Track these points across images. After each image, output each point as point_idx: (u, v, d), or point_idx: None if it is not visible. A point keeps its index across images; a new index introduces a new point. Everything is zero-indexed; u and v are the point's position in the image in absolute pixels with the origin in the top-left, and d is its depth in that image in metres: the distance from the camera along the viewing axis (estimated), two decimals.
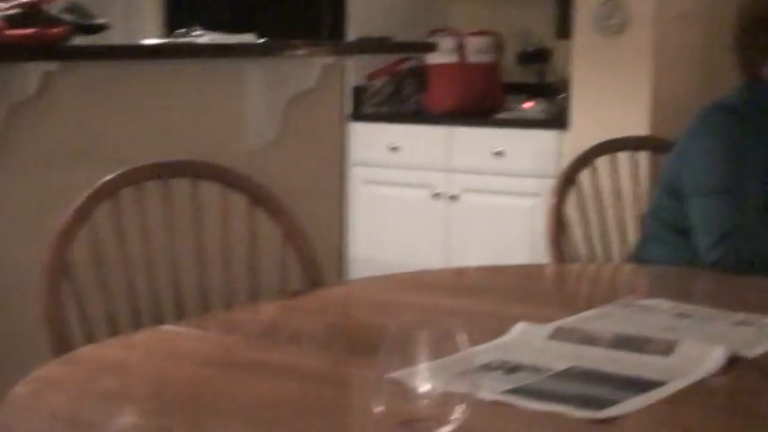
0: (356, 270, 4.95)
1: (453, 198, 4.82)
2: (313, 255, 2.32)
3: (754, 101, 2.49)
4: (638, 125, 4.15)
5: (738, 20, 2.53)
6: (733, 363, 1.60)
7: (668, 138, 2.81)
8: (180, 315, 2.15)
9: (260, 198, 2.32)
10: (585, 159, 2.81)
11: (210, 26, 3.96)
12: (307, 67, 4.10)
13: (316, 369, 1.67)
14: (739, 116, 2.45)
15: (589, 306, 1.95)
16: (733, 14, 2.58)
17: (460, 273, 2.61)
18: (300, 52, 3.99)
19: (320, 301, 2.16)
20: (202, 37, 3.83)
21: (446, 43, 4.98)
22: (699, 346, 1.64)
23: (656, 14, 4.18)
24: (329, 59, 4.18)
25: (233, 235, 2.28)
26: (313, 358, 1.74)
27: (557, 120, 4.60)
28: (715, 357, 1.59)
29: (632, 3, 4.18)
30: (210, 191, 2.31)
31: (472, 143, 4.78)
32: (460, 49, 5.02)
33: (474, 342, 1.51)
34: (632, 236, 2.77)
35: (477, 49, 5.06)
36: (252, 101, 4.05)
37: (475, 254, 4.71)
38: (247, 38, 3.91)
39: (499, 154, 4.69)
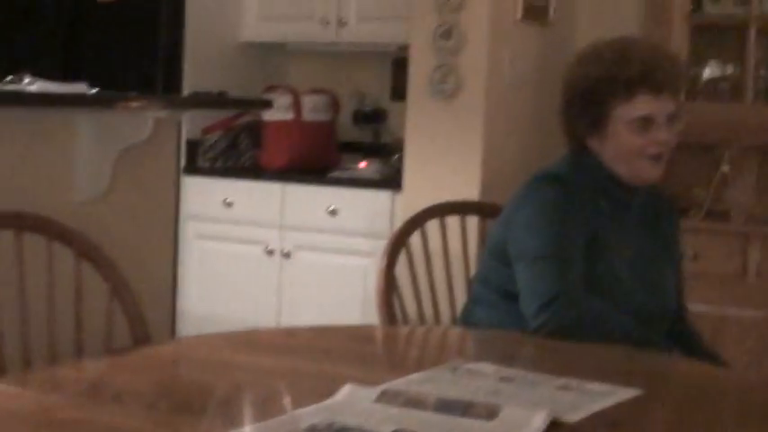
0: (188, 326, 4.89)
1: (286, 255, 4.81)
2: (140, 311, 2.28)
3: (580, 170, 2.55)
4: (469, 189, 4.23)
5: (564, 92, 2.58)
6: (554, 427, 1.63)
7: (497, 202, 2.86)
8: None
9: (86, 251, 2.28)
10: (416, 222, 2.84)
11: (41, 74, 3.88)
12: (140, 120, 4.05)
13: (139, 429, 1.64)
14: (564, 185, 2.50)
15: (417, 369, 1.97)
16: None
17: (291, 333, 2.60)
18: (133, 104, 3.94)
19: (147, 359, 2.12)
20: (32, 85, 3.75)
21: (282, 100, 5.00)
22: (521, 411, 1.66)
23: (488, 81, 4.27)
24: (163, 113, 4.14)
25: (58, 289, 2.23)
26: (137, 418, 1.70)
27: (391, 180, 4.65)
28: (536, 422, 1.62)
29: (465, 68, 4.27)
30: (35, 243, 2.25)
31: (306, 201, 4.79)
32: (296, 106, 5.04)
33: (301, 403, 1.51)
34: (461, 298, 2.81)
35: (312, 108, 5.10)
36: (82, 152, 3.98)
37: (307, 312, 4.71)
38: (79, 88, 3.85)
39: (333, 212, 4.72)
